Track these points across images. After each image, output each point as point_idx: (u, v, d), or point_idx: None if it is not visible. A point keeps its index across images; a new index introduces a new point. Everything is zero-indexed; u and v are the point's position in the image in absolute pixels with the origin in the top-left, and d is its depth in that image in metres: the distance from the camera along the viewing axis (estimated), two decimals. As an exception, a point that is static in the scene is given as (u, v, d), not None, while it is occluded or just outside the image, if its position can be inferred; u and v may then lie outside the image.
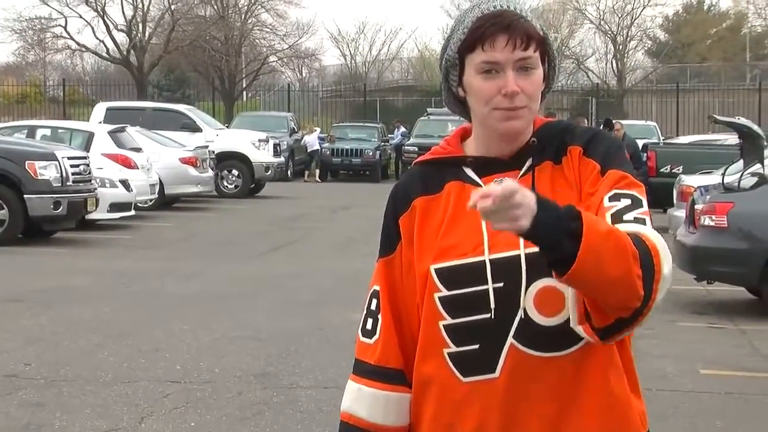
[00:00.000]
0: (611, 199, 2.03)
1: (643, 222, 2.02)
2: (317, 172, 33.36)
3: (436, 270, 2.09)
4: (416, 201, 2.18)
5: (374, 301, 2.22)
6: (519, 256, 2.03)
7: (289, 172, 30.54)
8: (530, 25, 2.06)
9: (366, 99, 43.51)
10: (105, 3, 44.87)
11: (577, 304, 1.96)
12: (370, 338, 2.22)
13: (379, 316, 2.20)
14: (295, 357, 8.55)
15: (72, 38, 45.91)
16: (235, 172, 25.22)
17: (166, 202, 21.73)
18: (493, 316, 2.06)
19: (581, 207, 1.95)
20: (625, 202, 2.03)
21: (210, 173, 22.86)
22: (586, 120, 19.55)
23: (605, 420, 2.07)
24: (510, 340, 2.05)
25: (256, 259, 15.29)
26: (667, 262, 2.00)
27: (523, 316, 2.05)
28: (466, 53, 2.08)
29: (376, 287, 2.23)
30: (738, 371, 8.90)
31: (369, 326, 2.23)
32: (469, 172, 2.14)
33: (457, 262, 2.07)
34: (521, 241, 1.99)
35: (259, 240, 17.51)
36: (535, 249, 1.92)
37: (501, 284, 2.04)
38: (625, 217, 2.01)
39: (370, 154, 33.09)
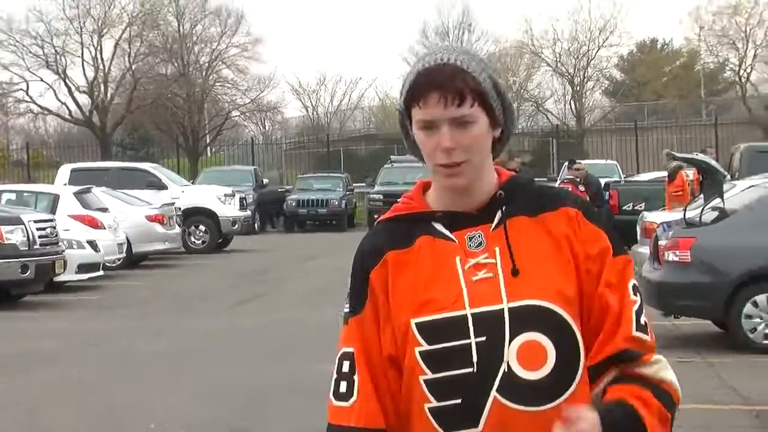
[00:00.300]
0: (634, 292, 2.10)
1: (645, 329, 2.12)
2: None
3: (417, 324, 2.07)
4: (388, 255, 2.15)
5: (346, 363, 2.17)
6: (502, 310, 2.04)
7: (255, 225, 31.03)
8: (468, 80, 2.03)
9: (330, 149, 44.16)
10: (66, 65, 45.87)
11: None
12: (347, 401, 2.16)
13: (355, 377, 2.15)
14: (267, 408, 8.65)
15: (34, 102, 46.68)
16: (202, 227, 25.58)
17: (134, 260, 22.05)
18: (475, 370, 2.05)
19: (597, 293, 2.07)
20: (638, 298, 2.11)
21: (177, 230, 23.24)
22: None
23: None
24: (493, 393, 2.05)
25: (225, 313, 15.44)
26: (679, 392, 2.17)
27: (506, 370, 2.05)
28: (410, 107, 2.08)
29: (348, 349, 2.17)
30: (706, 404, 8.96)
31: (343, 389, 2.17)
32: (439, 226, 2.12)
33: (437, 316, 2.05)
34: (503, 293, 2.04)
35: (228, 294, 17.67)
36: (520, 302, 2.01)
37: (483, 338, 2.04)
38: (641, 320, 2.10)
39: (336, 203, 33.45)
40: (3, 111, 47.22)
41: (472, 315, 2.05)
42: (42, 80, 46.03)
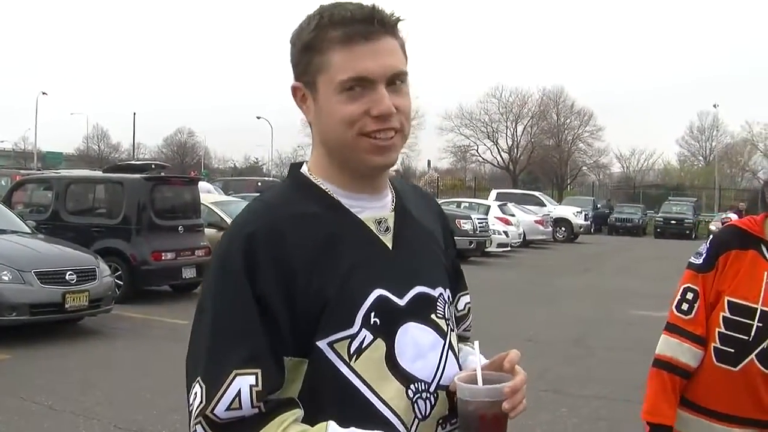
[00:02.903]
0: None
1: None
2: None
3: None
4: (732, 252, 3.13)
5: (690, 293, 3.14)
6: None
7: (591, 229, 45.35)
8: None
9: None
10: (497, 137, 78.37)
11: None
12: (688, 315, 3.14)
13: (696, 303, 3.14)
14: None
15: (480, 155, 79.91)
16: (563, 228, 39.29)
17: (526, 243, 33.06)
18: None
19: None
20: None
21: (550, 229, 36.47)
22: None
23: None
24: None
25: (579, 275, 25.00)
26: None
27: None
28: None
29: (693, 286, 3.17)
30: None
31: (685, 307, 3.16)
32: None
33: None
34: None
35: (570, 266, 26.97)
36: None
37: None
38: None
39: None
40: (464, 161, 78.24)
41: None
42: (484, 144, 78.51)
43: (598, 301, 17.22)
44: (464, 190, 63.54)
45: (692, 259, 3.24)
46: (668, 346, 3.17)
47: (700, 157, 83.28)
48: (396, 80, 1.80)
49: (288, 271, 1.75)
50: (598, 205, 50.97)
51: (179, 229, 15.56)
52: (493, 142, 77.85)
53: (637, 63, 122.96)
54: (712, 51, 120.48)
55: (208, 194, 20.70)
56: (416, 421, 1.82)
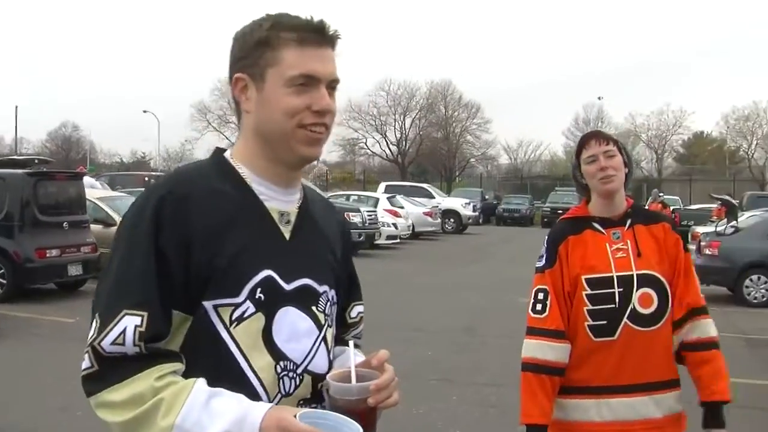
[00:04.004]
0: (694, 272, 3.47)
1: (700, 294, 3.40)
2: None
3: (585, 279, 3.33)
4: (569, 238, 3.40)
5: (541, 294, 3.37)
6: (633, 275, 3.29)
7: (480, 220, 45.57)
8: (609, 136, 3.43)
9: (522, 182, 61.11)
10: (386, 130, 78.16)
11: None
12: (542, 314, 3.34)
13: (548, 302, 3.35)
14: (488, 320, 14.03)
15: (369, 149, 79.15)
16: (452, 220, 39.52)
17: (415, 234, 32.74)
18: (616, 306, 3.27)
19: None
20: (696, 276, 3.50)
21: (438, 221, 36.45)
22: None
23: None
24: (625, 320, 3.24)
25: (460, 267, 23.36)
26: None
27: (632, 307, 3.25)
28: (580, 153, 3.46)
29: (543, 286, 3.37)
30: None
31: (539, 308, 3.36)
32: (596, 225, 3.42)
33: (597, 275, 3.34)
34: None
35: (462, 256, 26.91)
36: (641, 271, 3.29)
37: (621, 289, 3.29)
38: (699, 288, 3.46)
39: (525, 210, 50.82)
40: (353, 154, 75.16)
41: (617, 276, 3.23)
42: (373, 137, 77.80)
43: (487, 290, 17.52)
44: (353, 183, 63.11)
45: (537, 264, 3.44)
46: (530, 348, 3.34)
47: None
48: (334, 85, 2.03)
49: (188, 236, 1.91)
50: (486, 197, 51.82)
51: (64, 225, 15.20)
52: (381, 135, 78.23)
53: (524, 57, 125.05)
54: (597, 45, 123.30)
55: (93, 189, 20.19)
56: (279, 395, 1.96)
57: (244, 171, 2.05)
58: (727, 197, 20.54)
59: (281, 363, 1.97)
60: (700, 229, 21.52)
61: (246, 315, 1.94)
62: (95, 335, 1.88)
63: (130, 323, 1.85)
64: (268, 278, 1.97)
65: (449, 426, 7.47)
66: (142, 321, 1.86)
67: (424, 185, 44.99)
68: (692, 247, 18.26)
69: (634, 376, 3.25)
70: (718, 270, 16.38)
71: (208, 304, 1.92)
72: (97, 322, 1.89)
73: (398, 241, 29.88)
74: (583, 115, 79.90)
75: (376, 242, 27.35)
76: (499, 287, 18.03)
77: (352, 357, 2.01)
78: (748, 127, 74.54)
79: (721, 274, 16.42)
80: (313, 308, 2.06)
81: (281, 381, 1.96)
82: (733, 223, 17.66)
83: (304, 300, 2.04)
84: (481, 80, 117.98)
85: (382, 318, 12.66)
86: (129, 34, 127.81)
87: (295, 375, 1.99)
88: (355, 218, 25.52)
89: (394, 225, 29.83)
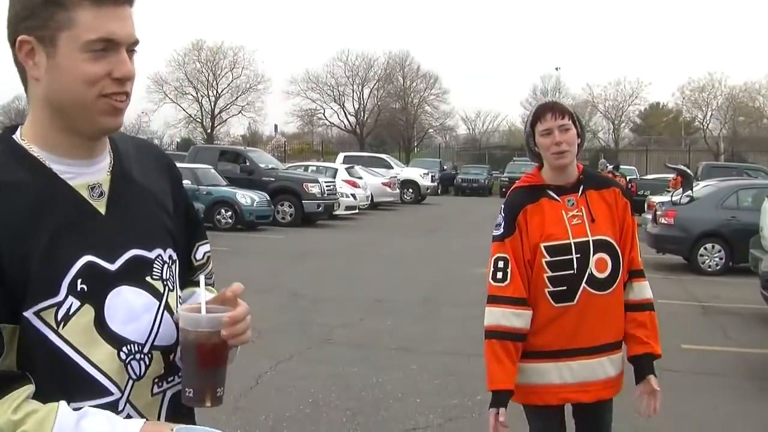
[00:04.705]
0: (637, 237, 3.60)
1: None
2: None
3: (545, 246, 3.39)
4: (527, 206, 3.45)
5: (501, 262, 3.40)
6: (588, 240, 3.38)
7: (438, 190, 46.50)
8: (566, 108, 3.45)
9: (480, 152, 63.42)
10: (344, 101, 77.71)
11: None
12: (503, 282, 3.39)
13: (508, 270, 3.39)
14: (447, 290, 14.01)
15: (327, 119, 78.68)
16: (410, 190, 40.22)
17: (374, 205, 33.17)
18: (575, 272, 3.36)
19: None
20: (637, 240, 3.60)
21: (397, 191, 36.35)
22: None
23: None
24: (583, 284, 3.37)
25: (420, 236, 23.47)
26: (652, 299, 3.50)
27: (590, 272, 3.34)
28: (535, 125, 3.45)
29: (503, 255, 3.40)
30: (675, 301, 12.30)
31: (500, 276, 3.41)
32: (551, 192, 3.49)
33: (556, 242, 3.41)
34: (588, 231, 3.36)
35: (421, 225, 26.61)
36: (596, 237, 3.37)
37: (579, 255, 3.37)
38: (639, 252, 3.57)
39: (483, 180, 51.15)
40: (311, 125, 74.39)
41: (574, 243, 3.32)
42: (331, 108, 77.58)
43: (446, 260, 17.58)
44: (312, 153, 63.23)
45: (494, 233, 3.48)
46: (492, 316, 3.40)
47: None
48: (133, 48, 1.79)
49: None
50: (445, 167, 52.13)
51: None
52: (339, 105, 78.22)
53: (482, 27, 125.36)
54: (554, 15, 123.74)
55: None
56: (130, 381, 1.82)
57: (37, 152, 1.79)
58: (683, 167, 20.22)
59: (125, 348, 1.81)
60: (656, 199, 21.68)
61: (72, 312, 1.75)
62: None
63: None
64: (88, 265, 1.77)
65: (409, 395, 7.43)
66: None
67: (383, 156, 44.91)
68: (648, 216, 18.68)
69: (591, 338, 3.38)
70: (673, 239, 16.62)
71: (29, 313, 1.71)
72: None
73: (357, 211, 29.85)
74: (540, 86, 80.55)
75: (335, 213, 27.35)
76: (457, 257, 18.08)
77: (203, 291, 1.88)
78: (703, 98, 75.92)
79: (677, 243, 16.63)
80: (148, 279, 1.88)
81: (129, 366, 1.81)
82: (689, 192, 17.52)
83: (135, 273, 1.86)
84: (439, 51, 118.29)
85: (341, 288, 12.65)
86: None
87: (142, 356, 1.84)
88: (314, 189, 25.34)
89: (353, 195, 29.73)
